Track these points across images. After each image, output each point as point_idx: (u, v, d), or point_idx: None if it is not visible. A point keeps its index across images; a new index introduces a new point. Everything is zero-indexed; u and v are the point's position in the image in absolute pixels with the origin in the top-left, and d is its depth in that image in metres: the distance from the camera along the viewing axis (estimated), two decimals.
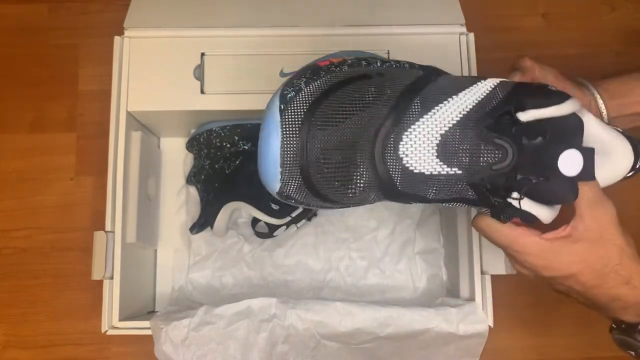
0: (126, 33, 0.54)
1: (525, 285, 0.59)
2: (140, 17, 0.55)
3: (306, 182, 0.35)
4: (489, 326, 0.50)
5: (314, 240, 0.61)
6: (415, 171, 0.36)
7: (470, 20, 0.55)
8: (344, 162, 0.35)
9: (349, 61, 0.37)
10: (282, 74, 0.53)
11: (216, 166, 0.56)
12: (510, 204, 0.36)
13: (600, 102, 0.49)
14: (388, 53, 0.54)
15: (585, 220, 0.37)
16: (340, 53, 0.42)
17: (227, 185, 0.56)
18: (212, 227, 0.57)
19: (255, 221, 0.60)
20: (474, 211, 0.41)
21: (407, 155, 0.35)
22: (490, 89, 0.37)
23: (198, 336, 0.49)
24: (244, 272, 0.60)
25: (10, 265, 0.62)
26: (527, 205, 0.36)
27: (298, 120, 0.34)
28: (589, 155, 0.36)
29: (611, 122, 0.49)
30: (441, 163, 0.35)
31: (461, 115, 0.36)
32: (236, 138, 0.56)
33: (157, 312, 0.57)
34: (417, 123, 0.35)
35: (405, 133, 0.35)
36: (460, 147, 0.35)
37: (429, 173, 0.36)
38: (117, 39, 0.54)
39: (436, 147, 0.35)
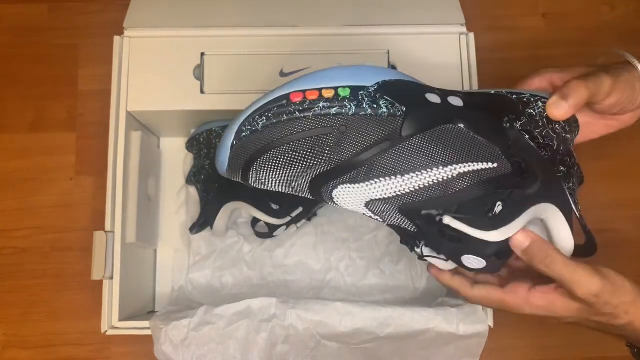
0: (126, 33, 0.54)
1: None
2: (140, 17, 0.55)
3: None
4: (489, 326, 0.50)
5: (314, 240, 0.61)
6: (347, 207, 0.40)
7: (470, 20, 0.55)
8: (280, 191, 0.39)
9: (321, 105, 0.36)
10: (282, 74, 0.53)
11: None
12: (443, 231, 0.38)
13: None
14: (388, 53, 0.54)
15: (579, 297, 0.37)
16: (334, 72, 0.37)
17: (227, 185, 0.56)
18: (212, 227, 0.57)
19: (255, 221, 0.60)
20: None
21: (338, 200, 0.39)
22: (439, 181, 0.37)
23: (198, 336, 0.49)
24: (244, 272, 0.60)
25: (10, 265, 0.62)
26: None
27: (242, 159, 0.37)
28: (493, 264, 0.39)
29: None
30: (368, 211, 0.39)
31: (395, 195, 0.38)
32: None
33: (157, 312, 0.57)
34: (354, 185, 0.37)
35: (341, 187, 0.38)
36: (385, 211, 0.39)
37: (359, 212, 0.40)
38: (117, 38, 0.54)
39: (364, 203, 0.39)
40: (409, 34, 0.54)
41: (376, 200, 0.38)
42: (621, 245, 0.63)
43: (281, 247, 0.61)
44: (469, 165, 0.37)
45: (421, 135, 0.37)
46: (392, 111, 0.37)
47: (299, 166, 0.37)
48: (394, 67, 0.54)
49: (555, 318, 0.39)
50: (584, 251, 0.42)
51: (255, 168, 0.37)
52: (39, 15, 0.67)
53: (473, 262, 0.39)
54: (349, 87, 0.37)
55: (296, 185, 0.38)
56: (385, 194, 0.38)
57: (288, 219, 0.56)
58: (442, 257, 0.40)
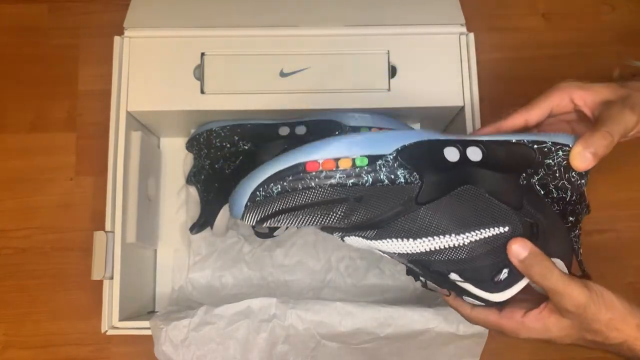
0: (126, 33, 0.54)
1: None
2: (140, 17, 0.55)
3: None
4: None
5: (314, 240, 0.61)
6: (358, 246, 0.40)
7: (470, 20, 0.55)
8: None
9: (338, 176, 0.35)
10: (282, 74, 0.53)
11: (216, 166, 0.56)
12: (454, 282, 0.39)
13: None
14: (388, 53, 0.54)
15: (566, 309, 0.37)
16: (353, 140, 0.36)
17: (227, 185, 0.56)
18: (212, 227, 0.57)
19: None
20: None
21: (349, 243, 0.39)
22: (450, 246, 0.37)
23: (198, 336, 0.49)
24: (244, 272, 0.60)
25: (10, 265, 0.62)
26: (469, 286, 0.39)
27: (257, 216, 0.37)
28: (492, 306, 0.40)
29: None
30: (379, 252, 0.40)
31: (405, 252, 0.38)
32: (236, 138, 0.56)
33: (157, 312, 0.57)
34: (365, 240, 0.38)
35: (353, 237, 0.38)
36: (394, 257, 0.40)
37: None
38: (117, 39, 0.54)
39: (375, 249, 0.39)
40: (409, 34, 0.54)
41: (386, 254, 0.39)
42: (621, 245, 0.63)
43: (281, 247, 0.61)
44: (481, 233, 0.37)
45: (437, 201, 0.37)
46: (409, 180, 0.36)
47: (312, 224, 0.38)
48: (394, 68, 0.54)
49: (552, 339, 0.39)
50: None
51: (269, 222, 0.37)
52: (39, 15, 0.67)
53: (474, 302, 0.40)
54: (367, 156, 0.36)
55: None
56: (396, 250, 0.38)
57: None
58: (445, 292, 0.41)
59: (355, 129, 0.53)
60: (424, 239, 0.37)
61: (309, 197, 0.36)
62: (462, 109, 0.54)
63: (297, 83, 0.53)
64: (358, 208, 0.36)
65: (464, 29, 0.55)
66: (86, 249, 0.60)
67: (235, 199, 0.38)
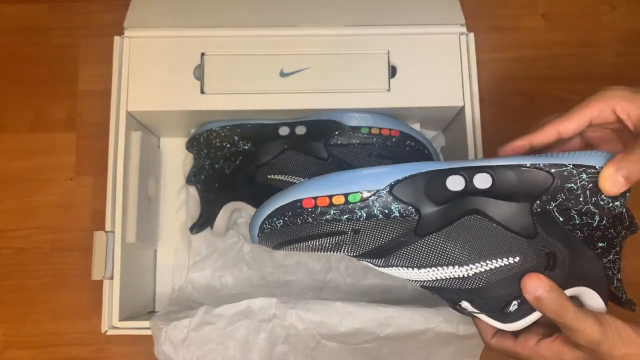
0: (126, 33, 0.54)
1: None
2: (140, 17, 0.55)
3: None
4: None
5: None
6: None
7: (470, 20, 0.55)
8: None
9: (332, 212, 0.37)
10: (282, 74, 0.53)
11: (216, 166, 0.56)
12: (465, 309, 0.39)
13: None
14: (388, 53, 0.54)
15: (579, 343, 0.37)
16: (346, 177, 0.38)
17: (227, 185, 0.56)
18: (212, 227, 0.57)
19: None
20: None
21: (365, 264, 0.40)
22: (455, 277, 0.37)
23: (198, 336, 0.49)
24: (244, 272, 0.60)
25: (10, 265, 0.62)
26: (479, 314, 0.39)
27: (271, 244, 0.40)
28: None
29: None
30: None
31: (414, 279, 0.39)
32: (236, 138, 0.56)
33: (157, 312, 0.57)
34: (374, 266, 0.39)
35: (363, 260, 0.39)
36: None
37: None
38: (117, 39, 0.54)
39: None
40: (409, 34, 0.54)
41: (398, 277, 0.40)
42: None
43: None
44: (487, 264, 0.36)
45: (437, 233, 0.36)
46: (404, 213, 0.37)
47: (321, 251, 0.39)
48: (394, 68, 0.54)
49: None
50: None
51: (284, 249, 0.40)
52: (39, 15, 0.67)
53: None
54: (358, 192, 0.37)
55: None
56: (405, 277, 0.39)
57: None
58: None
59: (355, 129, 0.53)
60: (428, 269, 0.37)
61: (309, 230, 0.38)
62: (462, 109, 0.54)
63: (297, 83, 0.53)
64: (357, 240, 0.37)
65: (464, 29, 0.55)
66: (86, 249, 0.60)
67: (250, 228, 0.41)
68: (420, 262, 0.37)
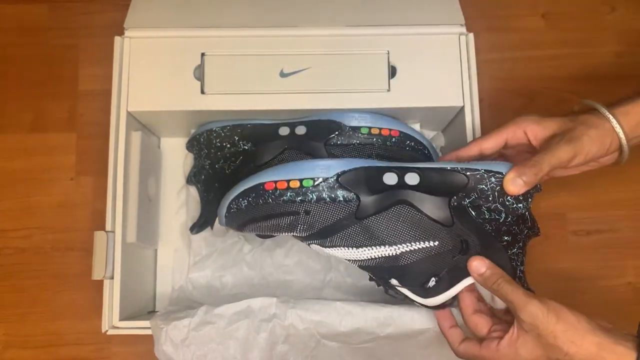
0: (126, 33, 0.54)
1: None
2: (140, 17, 0.55)
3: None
4: None
5: None
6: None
7: (470, 20, 0.55)
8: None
9: (288, 194, 0.44)
10: (282, 74, 0.53)
11: (216, 166, 0.56)
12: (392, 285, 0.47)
13: (617, 127, 0.45)
14: (388, 53, 0.54)
15: (523, 320, 0.40)
16: (302, 166, 0.46)
17: (227, 185, 0.56)
18: (212, 227, 0.57)
19: None
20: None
21: (313, 248, 0.47)
22: (386, 255, 0.45)
23: (198, 336, 0.49)
24: (244, 272, 0.60)
25: (10, 265, 0.62)
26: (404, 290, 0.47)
27: (235, 225, 0.48)
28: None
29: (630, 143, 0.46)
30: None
31: (352, 259, 0.46)
32: (236, 138, 0.56)
33: (157, 312, 0.57)
34: (322, 247, 0.46)
35: (313, 244, 0.46)
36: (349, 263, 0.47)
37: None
38: (117, 39, 0.54)
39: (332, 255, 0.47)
40: (409, 34, 0.54)
41: (340, 257, 0.47)
42: (620, 245, 0.63)
43: (281, 247, 0.61)
44: (412, 245, 0.44)
45: (373, 217, 0.44)
46: (347, 198, 0.44)
47: (277, 232, 0.47)
48: (394, 68, 0.54)
49: None
50: None
51: (245, 229, 0.47)
52: (39, 15, 0.67)
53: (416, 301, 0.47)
54: (311, 178, 0.45)
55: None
56: (346, 257, 0.46)
57: None
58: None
59: (355, 129, 0.53)
60: (364, 248, 0.45)
61: (268, 210, 0.45)
62: (462, 109, 0.54)
63: (297, 83, 0.53)
64: (308, 220, 0.45)
65: (463, 29, 0.55)
66: (86, 249, 0.60)
67: (219, 210, 0.48)
68: (358, 242, 0.45)
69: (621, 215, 0.64)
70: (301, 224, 0.45)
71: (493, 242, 0.45)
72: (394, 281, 0.46)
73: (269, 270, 0.60)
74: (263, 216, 0.45)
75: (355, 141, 0.53)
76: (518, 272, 0.45)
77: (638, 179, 0.65)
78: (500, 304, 0.46)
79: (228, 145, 0.56)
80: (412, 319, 0.49)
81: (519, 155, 0.48)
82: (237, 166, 0.56)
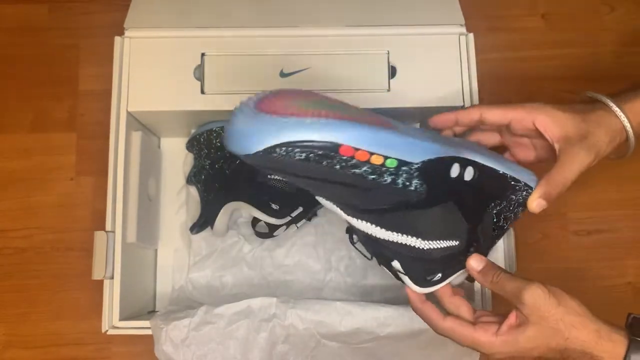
0: (126, 33, 0.54)
1: None
2: (140, 17, 0.55)
3: None
4: None
5: (314, 240, 0.61)
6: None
7: (470, 21, 0.55)
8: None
9: (364, 168, 0.36)
10: (282, 74, 0.53)
11: (216, 166, 0.56)
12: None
13: (626, 123, 0.44)
14: (388, 53, 0.54)
15: (525, 306, 0.40)
16: (392, 138, 0.38)
17: (227, 185, 0.56)
18: (212, 227, 0.57)
19: (255, 221, 0.60)
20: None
21: (324, 204, 0.41)
22: (411, 245, 0.41)
23: (198, 336, 0.49)
24: (244, 272, 0.60)
25: (10, 265, 0.62)
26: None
27: (257, 163, 0.36)
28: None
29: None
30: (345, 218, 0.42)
31: (369, 234, 0.41)
32: None
33: (157, 311, 0.57)
34: (342, 213, 0.41)
35: (335, 206, 0.41)
36: (357, 234, 0.44)
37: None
38: (117, 39, 0.54)
39: (345, 220, 0.42)
40: (409, 34, 0.54)
41: (352, 226, 0.42)
42: (621, 245, 0.63)
43: (281, 247, 0.61)
44: (442, 242, 0.41)
45: (422, 210, 0.40)
46: (418, 189, 0.39)
47: (313, 192, 0.40)
48: (394, 68, 0.54)
49: (522, 351, 0.41)
50: None
51: (273, 173, 0.40)
52: (39, 15, 0.67)
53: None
54: (397, 159, 0.37)
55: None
56: (365, 230, 0.41)
57: (288, 218, 0.56)
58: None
59: None
60: (395, 233, 0.40)
61: (329, 175, 0.36)
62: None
63: (297, 83, 0.53)
64: (361, 196, 0.38)
65: (463, 29, 0.55)
66: (86, 249, 0.60)
67: (245, 139, 0.35)
68: (393, 226, 0.40)
69: (621, 215, 0.64)
70: (349, 197, 0.38)
71: (491, 246, 0.45)
72: (396, 264, 0.42)
73: (269, 270, 0.60)
74: (317, 178, 0.37)
75: None
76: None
77: (638, 179, 0.65)
78: None
79: None
80: (412, 319, 0.49)
81: (517, 142, 0.48)
82: (237, 166, 0.56)
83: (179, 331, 0.49)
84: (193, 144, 0.58)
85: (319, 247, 0.61)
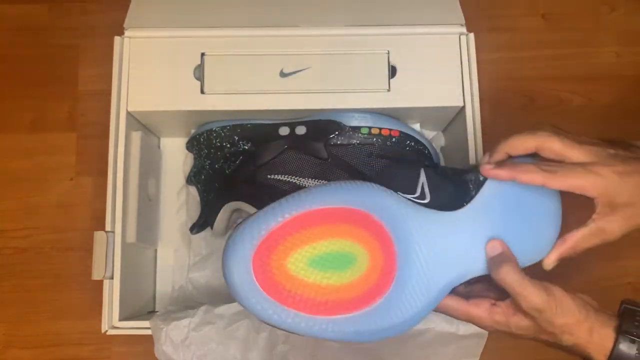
0: (126, 33, 0.54)
1: None
2: (140, 17, 0.55)
3: None
4: None
5: None
6: None
7: (470, 20, 0.55)
8: None
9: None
10: (282, 74, 0.53)
11: (216, 166, 0.56)
12: None
13: None
14: (388, 53, 0.54)
15: (522, 305, 0.39)
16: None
17: (227, 185, 0.56)
18: (212, 227, 0.57)
19: None
20: None
21: None
22: None
23: (198, 336, 0.49)
24: None
25: (10, 265, 0.62)
26: None
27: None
28: None
29: None
30: None
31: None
32: (236, 138, 0.56)
33: (157, 312, 0.57)
34: None
35: None
36: None
37: None
38: (117, 39, 0.54)
39: None
40: (409, 34, 0.54)
41: None
42: (621, 245, 0.63)
43: None
44: None
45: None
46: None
47: None
48: (394, 68, 0.54)
49: (511, 334, 0.41)
50: None
51: None
52: (39, 15, 0.67)
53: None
54: None
55: None
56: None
57: None
58: None
59: (355, 129, 0.53)
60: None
61: None
62: (462, 109, 0.54)
63: (297, 83, 0.53)
64: None
65: (463, 29, 0.55)
66: (86, 249, 0.60)
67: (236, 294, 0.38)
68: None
69: None
70: None
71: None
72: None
73: None
74: None
75: (355, 141, 0.53)
76: None
77: None
78: None
79: (228, 145, 0.56)
80: None
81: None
82: (237, 166, 0.56)
83: (179, 331, 0.49)
84: (193, 144, 0.58)
85: None
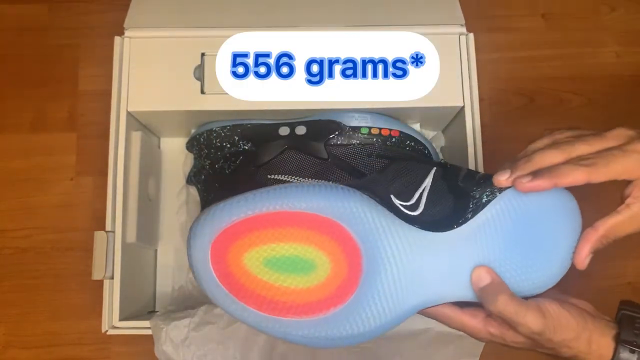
0: (126, 33, 0.54)
1: None
2: (140, 17, 0.55)
3: None
4: None
5: None
6: None
7: (470, 21, 0.55)
8: None
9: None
10: None
11: (216, 166, 0.56)
12: None
13: None
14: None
15: (520, 330, 0.38)
16: None
17: (227, 186, 0.56)
18: None
19: None
20: None
21: None
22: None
23: (198, 336, 0.49)
24: None
25: (10, 265, 0.62)
26: None
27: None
28: None
29: None
30: None
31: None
32: (236, 138, 0.56)
33: (157, 311, 0.57)
34: None
35: None
36: None
37: None
38: (117, 39, 0.54)
39: None
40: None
41: None
42: (620, 245, 0.63)
43: None
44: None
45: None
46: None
47: None
48: None
49: (507, 346, 0.40)
50: None
51: None
52: (39, 15, 0.67)
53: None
54: None
55: None
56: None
57: None
58: None
59: (355, 129, 0.53)
60: None
61: None
62: (462, 109, 0.54)
63: None
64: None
65: (463, 29, 0.55)
66: (86, 249, 0.60)
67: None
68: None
69: None
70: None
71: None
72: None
73: None
74: None
75: (355, 141, 0.53)
76: None
77: None
78: None
79: (228, 145, 0.56)
80: (412, 319, 0.49)
81: None
82: (237, 166, 0.56)
83: (179, 331, 0.49)
84: (193, 144, 0.58)
85: None
